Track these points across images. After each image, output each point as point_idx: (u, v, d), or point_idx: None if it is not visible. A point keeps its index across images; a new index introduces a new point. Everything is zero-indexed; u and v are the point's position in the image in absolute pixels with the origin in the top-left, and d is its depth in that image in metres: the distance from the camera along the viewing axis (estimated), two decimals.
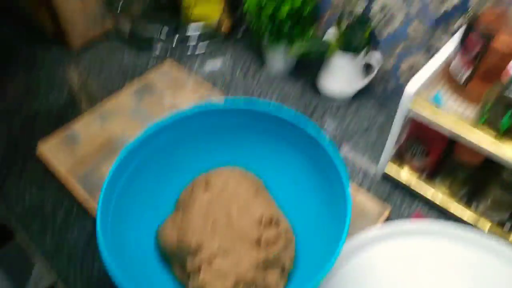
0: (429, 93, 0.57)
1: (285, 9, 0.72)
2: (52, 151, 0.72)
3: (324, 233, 0.52)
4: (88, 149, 0.72)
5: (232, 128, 0.60)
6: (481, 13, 0.52)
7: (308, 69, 0.84)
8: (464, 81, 0.54)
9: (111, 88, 0.83)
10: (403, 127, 0.59)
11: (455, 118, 0.53)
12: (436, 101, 0.56)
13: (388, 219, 0.63)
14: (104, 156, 0.71)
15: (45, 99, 0.81)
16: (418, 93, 0.55)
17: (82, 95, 0.82)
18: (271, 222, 0.53)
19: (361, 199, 0.64)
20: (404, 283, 0.53)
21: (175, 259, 0.54)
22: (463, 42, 0.53)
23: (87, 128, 0.75)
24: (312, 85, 0.82)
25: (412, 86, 0.54)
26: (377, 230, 0.56)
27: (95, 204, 0.65)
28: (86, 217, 0.64)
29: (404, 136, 0.63)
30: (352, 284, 0.53)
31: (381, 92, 0.80)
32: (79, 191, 0.66)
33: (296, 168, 0.59)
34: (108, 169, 0.51)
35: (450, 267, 0.53)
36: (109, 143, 0.73)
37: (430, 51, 0.69)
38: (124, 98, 0.80)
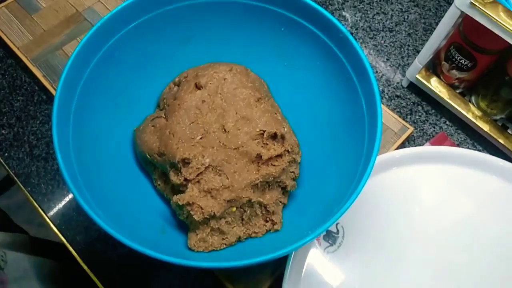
0: None
1: None
2: (4, 22, 0.57)
3: (341, 152, 0.43)
4: (50, 23, 0.57)
5: (232, 13, 0.46)
6: None
7: None
8: None
9: None
10: (453, 27, 0.46)
11: None
12: (503, 1, 0.43)
13: (409, 136, 0.54)
14: (69, 34, 0.57)
15: None
16: None
17: None
18: (276, 136, 0.43)
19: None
20: (412, 209, 0.46)
21: (156, 168, 0.45)
22: None
23: None
24: None
25: None
26: (396, 153, 0.47)
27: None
28: (50, 102, 0.53)
29: (446, 41, 0.50)
30: (359, 207, 0.45)
31: None
32: (37, 73, 0.54)
33: (309, 69, 0.47)
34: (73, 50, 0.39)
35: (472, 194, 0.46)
36: (76, 17, 0.58)
37: None
38: None
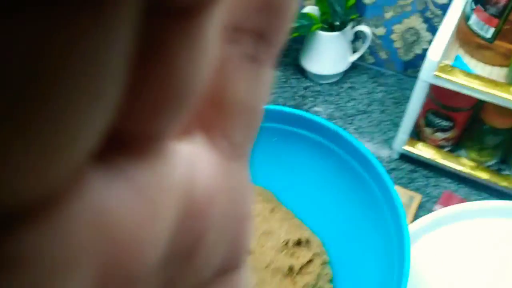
0: (449, 58, 0.49)
1: None
2: None
3: (368, 244, 0.43)
4: None
5: None
6: None
7: (288, 49, 0.74)
8: (490, 38, 0.46)
9: None
10: (425, 97, 0.51)
11: (487, 80, 0.45)
12: (460, 65, 0.48)
13: (420, 205, 0.55)
14: None
15: None
16: (441, 59, 0.46)
17: None
18: (300, 242, 0.43)
19: None
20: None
21: None
22: None
23: None
24: (296, 67, 0.72)
25: (435, 53, 0.46)
26: (420, 221, 0.48)
27: None
28: None
29: (421, 109, 0.54)
30: None
31: (372, 64, 0.71)
32: None
33: (315, 169, 0.49)
34: None
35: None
36: None
37: (424, 12, 0.61)
38: None
